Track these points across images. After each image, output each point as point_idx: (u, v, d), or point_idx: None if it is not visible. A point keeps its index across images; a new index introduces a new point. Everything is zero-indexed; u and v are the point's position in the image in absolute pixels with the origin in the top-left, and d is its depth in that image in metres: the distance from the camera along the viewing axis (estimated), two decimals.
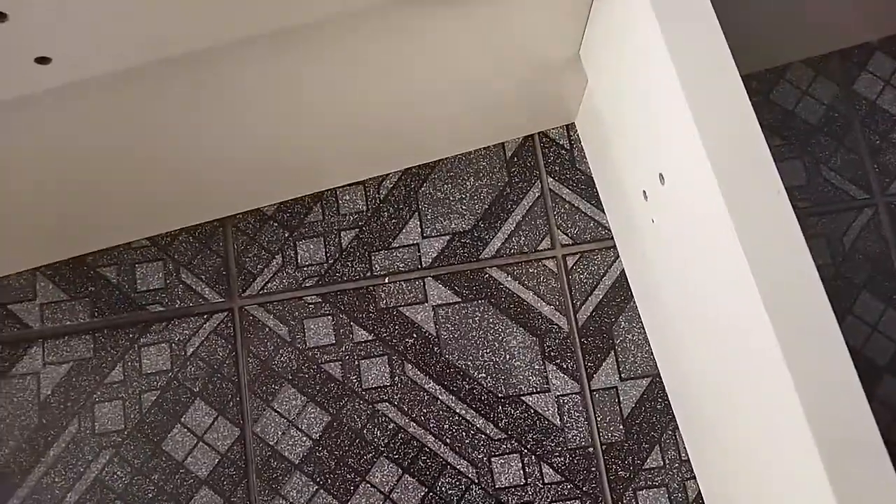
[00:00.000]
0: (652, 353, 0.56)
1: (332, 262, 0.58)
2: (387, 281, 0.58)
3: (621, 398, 0.55)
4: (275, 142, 0.51)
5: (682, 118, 0.34)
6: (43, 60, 0.34)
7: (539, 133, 0.61)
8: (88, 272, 0.58)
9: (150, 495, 0.54)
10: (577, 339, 0.57)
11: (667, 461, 0.54)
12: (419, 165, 0.60)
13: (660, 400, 0.55)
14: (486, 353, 0.56)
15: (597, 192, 0.59)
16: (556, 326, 0.57)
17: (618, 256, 0.58)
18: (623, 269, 0.58)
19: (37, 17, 0.32)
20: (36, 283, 0.58)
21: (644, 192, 0.45)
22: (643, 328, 0.57)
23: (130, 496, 0.54)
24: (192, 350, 0.57)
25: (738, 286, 0.33)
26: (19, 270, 0.59)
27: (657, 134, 0.40)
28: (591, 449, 0.55)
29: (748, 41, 0.54)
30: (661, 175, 0.41)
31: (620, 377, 0.56)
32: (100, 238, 0.58)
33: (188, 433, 0.55)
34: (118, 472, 0.54)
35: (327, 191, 0.60)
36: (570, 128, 0.61)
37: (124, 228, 0.58)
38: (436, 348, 0.56)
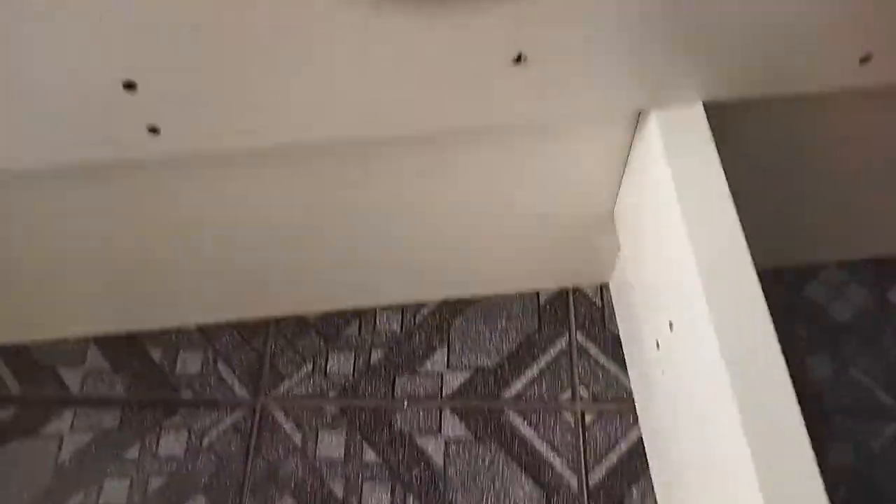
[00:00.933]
0: None
1: (357, 376, 0.61)
2: (405, 405, 0.59)
3: None
4: (331, 255, 0.56)
5: (691, 279, 0.37)
6: (154, 130, 0.39)
7: (574, 287, 0.64)
8: (137, 349, 0.63)
9: None
10: (586, 502, 0.55)
11: None
12: (457, 299, 0.64)
13: None
14: (491, 499, 0.55)
15: (623, 353, 0.61)
16: (565, 484, 0.55)
17: (637, 421, 0.58)
18: (641, 436, 0.57)
19: (159, 86, 0.37)
20: (88, 350, 0.63)
21: (657, 340, 0.46)
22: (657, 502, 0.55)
23: None
24: (208, 441, 0.58)
25: (730, 445, 0.33)
26: (77, 336, 0.63)
27: (668, 282, 0.42)
28: None
29: (784, 235, 0.57)
30: (670, 322, 0.42)
31: None
32: (155, 318, 0.63)
33: None
34: None
35: (369, 309, 0.64)
36: (604, 287, 0.64)
37: (179, 313, 0.63)
38: (441, 484, 0.56)
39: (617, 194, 0.51)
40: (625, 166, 0.47)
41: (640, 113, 0.41)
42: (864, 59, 0.38)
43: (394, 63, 0.35)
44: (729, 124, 0.41)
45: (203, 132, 0.39)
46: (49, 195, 0.46)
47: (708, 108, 0.39)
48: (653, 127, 0.40)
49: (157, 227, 0.51)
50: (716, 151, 0.39)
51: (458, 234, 0.55)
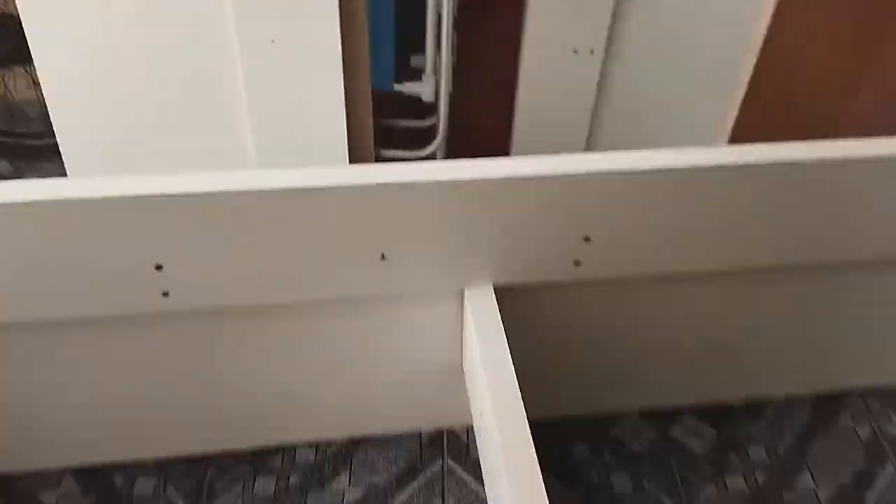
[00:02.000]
0: None
1: (278, 494, 0.78)
2: None
3: None
4: (251, 401, 0.78)
5: None
6: (166, 294, 0.63)
7: (448, 427, 0.86)
8: (103, 476, 0.79)
9: None
10: None
11: None
12: (359, 437, 0.85)
13: None
14: None
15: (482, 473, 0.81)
16: None
17: None
18: None
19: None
20: (63, 478, 0.79)
21: None
22: None
23: None
24: None
25: None
26: (57, 466, 0.80)
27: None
28: None
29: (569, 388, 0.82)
30: None
31: None
32: (118, 452, 0.80)
33: None
34: None
35: (290, 444, 0.83)
36: (470, 427, 0.86)
37: (138, 448, 0.80)
38: None
39: (462, 354, 0.77)
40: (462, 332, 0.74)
41: (463, 291, 0.69)
42: (577, 263, 0.67)
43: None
44: (513, 303, 0.69)
45: (206, 293, 0.64)
46: (55, 343, 0.68)
47: (498, 289, 0.67)
48: (466, 302, 0.67)
49: (133, 376, 0.72)
50: (500, 324, 0.65)
51: (346, 388, 0.78)
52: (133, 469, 0.80)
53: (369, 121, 1.01)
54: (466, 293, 0.68)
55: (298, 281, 0.64)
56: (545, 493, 0.53)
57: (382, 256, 0.63)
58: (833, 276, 0.78)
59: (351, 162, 1.03)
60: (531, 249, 0.65)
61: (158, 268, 0.61)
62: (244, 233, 0.61)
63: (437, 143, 1.12)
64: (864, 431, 0.87)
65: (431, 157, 1.14)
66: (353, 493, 0.79)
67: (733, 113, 1.15)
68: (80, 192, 0.57)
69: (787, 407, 0.90)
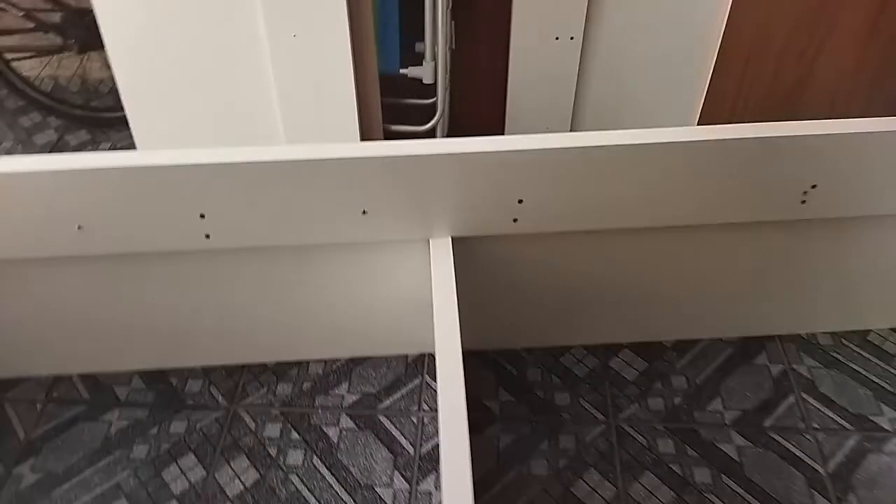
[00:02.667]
0: None
1: (293, 395, 1.01)
2: (320, 411, 0.99)
3: None
4: (281, 323, 1.00)
5: None
6: (207, 237, 0.86)
7: (429, 353, 1.07)
8: (162, 377, 1.04)
9: None
10: (418, 461, 0.93)
11: None
12: (360, 357, 1.06)
13: None
14: (363, 459, 0.94)
15: None
16: (407, 451, 0.94)
17: None
18: None
19: None
20: (133, 377, 1.04)
21: None
22: None
23: None
24: (200, 427, 0.97)
25: None
26: (127, 369, 1.05)
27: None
28: None
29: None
30: None
31: None
32: (174, 360, 1.05)
33: None
34: None
35: (304, 361, 1.06)
36: None
37: (189, 358, 1.05)
38: (335, 451, 0.94)
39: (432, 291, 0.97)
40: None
41: (428, 240, 0.89)
42: (514, 220, 0.86)
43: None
44: (469, 251, 0.88)
45: (238, 237, 0.86)
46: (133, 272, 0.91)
47: (455, 240, 0.87)
48: (431, 250, 0.87)
49: (186, 301, 0.95)
50: (452, 268, 0.85)
51: (346, 318, 0.99)
52: (185, 372, 1.05)
53: (377, 101, 1.21)
54: (431, 242, 0.88)
55: (303, 229, 0.86)
56: (465, 407, 0.71)
57: (364, 212, 0.84)
58: (749, 232, 0.94)
59: (362, 136, 1.23)
60: (479, 208, 0.85)
61: (202, 216, 0.84)
62: (266, 192, 0.82)
63: (437, 119, 1.31)
64: (777, 369, 1.04)
65: (432, 131, 1.33)
66: (350, 398, 1.02)
67: (700, 97, 1.30)
68: (144, 160, 0.79)
69: (712, 347, 1.07)
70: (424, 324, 1.02)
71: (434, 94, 1.34)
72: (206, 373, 1.05)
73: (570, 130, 1.40)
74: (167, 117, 1.22)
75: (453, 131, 1.40)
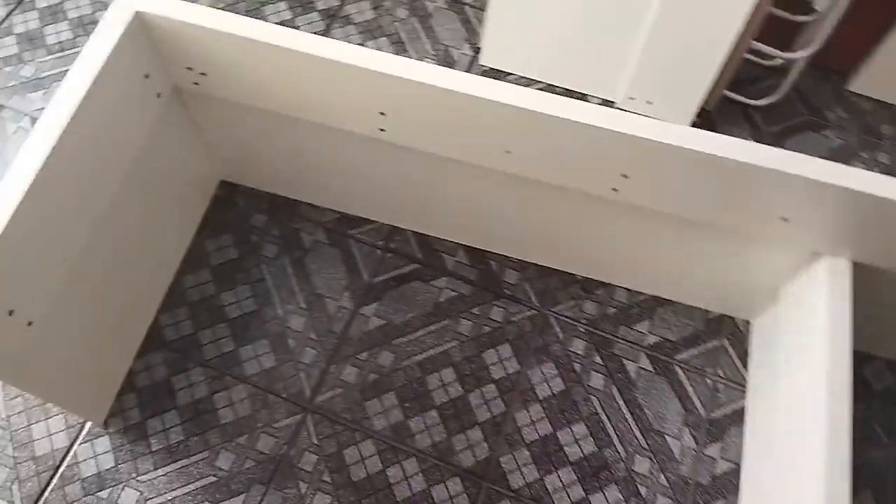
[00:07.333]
0: None
1: (596, 319, 1.09)
2: (621, 338, 1.07)
3: None
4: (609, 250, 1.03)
5: None
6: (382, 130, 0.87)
7: (727, 316, 1.09)
8: (488, 259, 1.12)
9: None
10: None
11: None
12: (665, 298, 1.10)
13: None
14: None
15: (747, 356, 1.06)
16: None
17: (744, 397, 1.03)
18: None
19: None
20: (458, 249, 1.13)
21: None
22: None
23: None
24: (513, 326, 1.08)
25: None
26: (453, 240, 1.13)
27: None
28: None
29: None
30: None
31: None
32: (510, 250, 1.12)
33: None
34: None
35: (612, 286, 1.11)
36: (749, 322, 1.09)
37: (525, 253, 1.12)
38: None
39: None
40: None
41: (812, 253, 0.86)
42: None
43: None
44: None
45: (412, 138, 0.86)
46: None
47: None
48: (825, 266, 0.85)
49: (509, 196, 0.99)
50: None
51: (663, 263, 1.01)
52: (503, 260, 1.12)
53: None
54: (826, 259, 0.85)
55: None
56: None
57: (784, 219, 0.81)
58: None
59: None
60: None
61: (382, 114, 0.86)
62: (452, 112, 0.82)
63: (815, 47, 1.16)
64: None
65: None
66: (650, 338, 1.08)
67: None
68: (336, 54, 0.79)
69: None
70: (741, 287, 1.02)
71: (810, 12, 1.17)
72: (522, 267, 1.13)
73: None
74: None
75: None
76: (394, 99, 0.83)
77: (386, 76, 0.79)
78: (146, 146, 0.88)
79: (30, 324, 0.74)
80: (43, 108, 1.21)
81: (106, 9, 1.28)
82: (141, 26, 0.80)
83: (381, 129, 0.88)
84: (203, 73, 0.86)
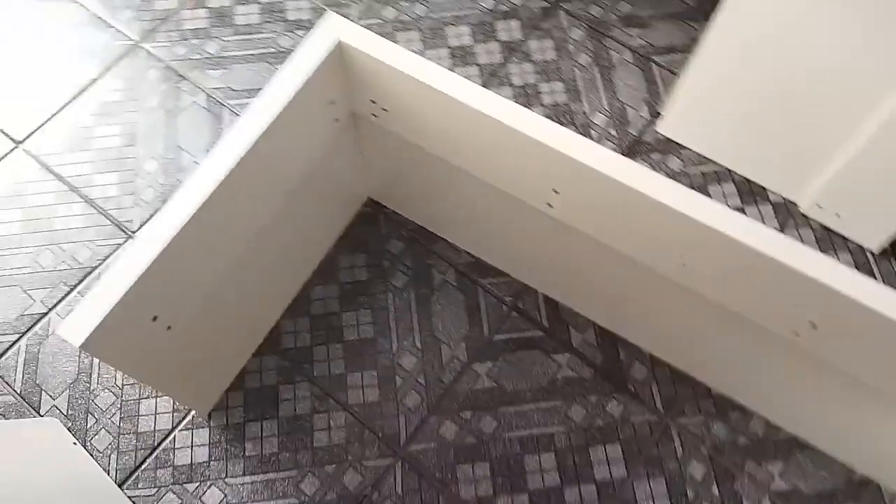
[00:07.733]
0: None
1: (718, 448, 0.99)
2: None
3: None
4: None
5: None
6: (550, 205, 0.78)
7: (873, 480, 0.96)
8: (616, 344, 1.05)
9: None
10: None
11: None
12: (804, 441, 0.98)
13: None
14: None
15: None
16: None
17: None
18: None
19: None
20: (589, 327, 1.06)
21: None
22: None
23: None
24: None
25: None
26: (587, 318, 1.06)
27: None
28: None
29: None
30: None
31: None
32: (636, 338, 1.04)
33: None
34: None
35: (739, 406, 1.01)
36: None
37: (650, 345, 1.03)
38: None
39: None
40: None
41: None
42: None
43: None
44: None
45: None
46: None
47: None
48: None
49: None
50: None
51: (806, 402, 0.89)
52: (634, 351, 1.04)
53: None
54: None
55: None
56: None
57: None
58: None
59: None
60: None
61: (555, 191, 0.78)
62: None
63: None
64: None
65: None
66: (780, 484, 0.97)
67: None
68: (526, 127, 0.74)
69: None
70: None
71: None
72: (653, 364, 1.04)
73: None
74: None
75: None
76: (571, 181, 0.77)
77: (572, 160, 0.73)
78: (313, 165, 0.88)
79: (169, 328, 0.75)
80: (219, 88, 1.25)
81: None
82: (340, 55, 0.78)
83: (550, 205, 0.82)
84: (385, 109, 0.84)
